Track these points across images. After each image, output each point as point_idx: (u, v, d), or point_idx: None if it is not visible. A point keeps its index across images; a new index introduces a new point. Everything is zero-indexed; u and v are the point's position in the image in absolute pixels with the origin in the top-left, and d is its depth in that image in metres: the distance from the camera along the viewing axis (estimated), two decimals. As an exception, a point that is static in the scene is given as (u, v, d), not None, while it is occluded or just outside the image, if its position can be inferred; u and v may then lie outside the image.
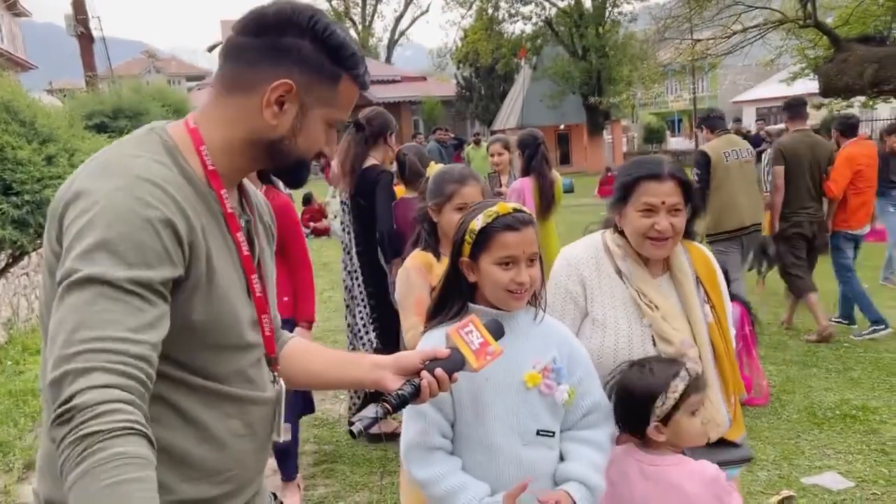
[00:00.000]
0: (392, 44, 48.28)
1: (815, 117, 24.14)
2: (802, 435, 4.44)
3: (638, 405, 1.94)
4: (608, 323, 2.18)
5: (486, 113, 34.85)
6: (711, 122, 6.10)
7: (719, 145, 5.91)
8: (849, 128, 6.71)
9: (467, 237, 1.86)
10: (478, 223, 1.84)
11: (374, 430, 2.97)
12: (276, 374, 1.49)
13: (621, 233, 2.24)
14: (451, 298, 1.90)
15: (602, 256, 2.24)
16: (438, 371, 1.53)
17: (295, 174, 1.44)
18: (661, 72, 27.07)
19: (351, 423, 1.52)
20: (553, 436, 1.88)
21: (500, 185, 5.95)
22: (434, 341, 1.80)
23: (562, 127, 30.95)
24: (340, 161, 4.57)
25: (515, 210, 1.86)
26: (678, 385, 1.92)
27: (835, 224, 6.40)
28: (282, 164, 1.39)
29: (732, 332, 5.19)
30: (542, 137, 5.25)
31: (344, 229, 4.65)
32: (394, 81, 35.99)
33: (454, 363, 1.57)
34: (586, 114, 30.71)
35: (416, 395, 1.53)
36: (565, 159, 31.58)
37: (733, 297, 5.31)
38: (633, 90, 29.45)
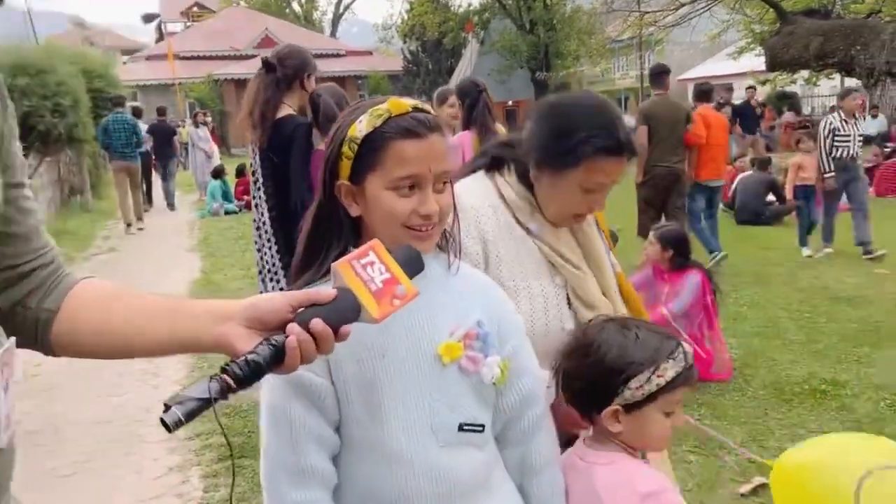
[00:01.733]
0: (337, 18, 47.16)
1: (760, 93, 24.16)
2: (770, 413, 4.02)
3: (604, 378, 1.39)
4: (520, 287, 1.69)
5: (433, 88, 33.87)
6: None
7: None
8: (703, 94, 7.95)
9: (346, 149, 1.28)
10: (361, 128, 1.27)
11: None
12: None
13: (526, 182, 1.72)
14: (324, 243, 1.33)
15: (499, 206, 1.73)
16: (316, 323, 1.02)
17: None
18: (608, 47, 26.82)
19: (167, 408, 0.96)
20: (482, 430, 1.34)
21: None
22: None
23: (510, 103, 30.49)
24: (248, 109, 3.87)
25: (416, 108, 1.29)
26: (669, 369, 1.38)
27: (691, 175, 7.42)
28: None
29: (688, 301, 4.78)
30: (483, 85, 4.68)
31: (254, 197, 3.98)
32: (338, 55, 35.05)
33: (343, 310, 1.06)
34: (534, 89, 30.29)
35: (277, 361, 1.02)
36: (514, 135, 31.12)
37: (692, 264, 4.96)
38: (580, 65, 29.16)
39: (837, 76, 21.07)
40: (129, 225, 11.34)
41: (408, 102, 1.29)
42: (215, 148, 15.54)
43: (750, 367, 4.71)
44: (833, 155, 7.61)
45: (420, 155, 1.26)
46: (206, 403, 0.97)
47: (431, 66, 35.03)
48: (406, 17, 35.56)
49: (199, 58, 33.42)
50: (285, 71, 3.76)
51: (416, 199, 1.27)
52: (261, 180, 3.84)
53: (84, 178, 14.36)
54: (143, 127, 12.97)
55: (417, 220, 1.28)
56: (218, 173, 13.49)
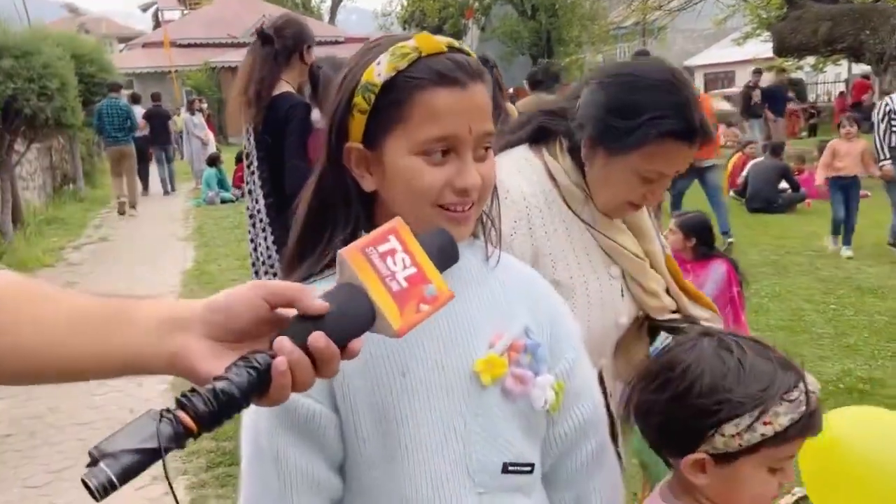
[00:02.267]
0: (335, 5, 46.64)
1: (765, 80, 23.79)
2: (806, 415, 3.71)
3: (690, 415, 1.04)
4: (577, 285, 1.42)
5: (432, 76, 33.75)
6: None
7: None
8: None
9: (359, 99, 0.96)
10: (380, 71, 0.95)
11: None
12: None
13: (577, 162, 1.42)
14: (327, 226, 1.02)
15: (550, 191, 1.44)
16: (318, 338, 0.71)
17: None
18: (611, 33, 26.44)
19: (92, 460, 0.66)
20: (531, 471, 1.04)
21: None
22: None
23: (511, 90, 30.09)
24: (243, 85, 3.50)
25: (452, 48, 0.97)
26: (782, 414, 1.00)
27: None
28: None
29: (713, 293, 4.48)
30: (493, 61, 4.35)
31: (247, 182, 3.63)
32: (337, 42, 34.55)
33: (352, 318, 0.76)
34: (536, 77, 29.92)
35: (258, 390, 0.71)
36: (515, 123, 30.81)
37: (717, 253, 4.65)
38: (582, 52, 28.77)
39: (845, 62, 20.80)
40: (122, 208, 11.21)
41: (441, 40, 0.97)
42: (211, 135, 15.21)
43: (779, 364, 4.41)
44: (891, 143, 6.72)
45: (458, 109, 0.94)
46: (152, 456, 0.66)
47: (431, 54, 34.64)
48: (405, 4, 35.09)
49: (195, 45, 32.98)
50: (284, 42, 3.38)
51: (451, 168, 0.96)
52: (255, 164, 3.50)
53: (77, 166, 14.06)
54: (139, 112, 13.13)
55: (452, 196, 0.96)
56: (213, 161, 13.15)
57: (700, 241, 4.49)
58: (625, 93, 1.34)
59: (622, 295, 1.50)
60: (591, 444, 1.11)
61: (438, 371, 0.97)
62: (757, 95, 14.67)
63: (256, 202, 3.50)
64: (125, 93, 12.18)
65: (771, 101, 14.78)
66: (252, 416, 0.97)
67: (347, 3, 49.25)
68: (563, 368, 1.07)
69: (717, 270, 4.40)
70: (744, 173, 10.18)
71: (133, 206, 11.49)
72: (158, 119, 14.03)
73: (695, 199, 7.24)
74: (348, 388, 0.95)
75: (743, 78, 25.17)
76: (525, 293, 1.08)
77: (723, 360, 1.04)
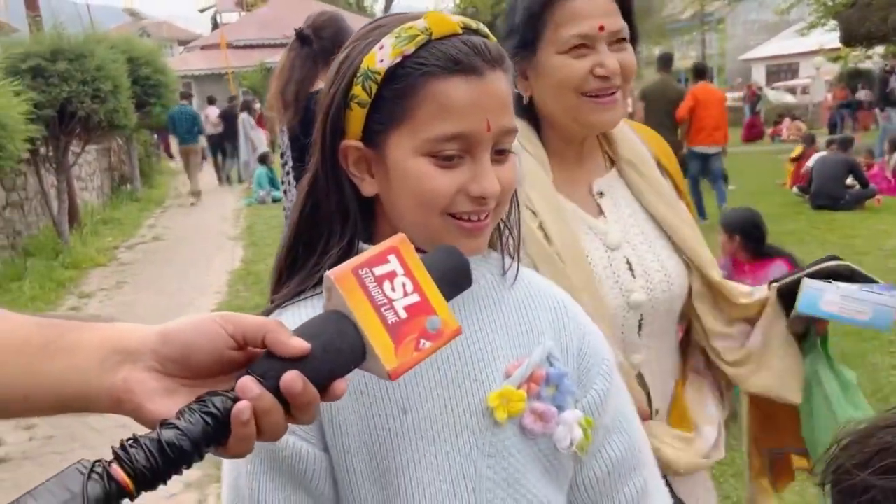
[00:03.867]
0: (388, 3, 46.89)
1: (829, 72, 22.92)
2: (878, 429, 3.44)
3: None
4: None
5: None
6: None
7: None
8: (698, 73, 8.86)
9: (357, 90, 0.83)
10: (383, 56, 0.82)
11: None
12: None
13: (529, 114, 1.32)
14: (320, 236, 0.88)
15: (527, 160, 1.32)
16: (292, 381, 0.60)
17: None
18: (667, 27, 25.85)
19: None
20: None
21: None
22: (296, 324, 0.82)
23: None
24: (281, 86, 3.46)
25: (467, 29, 0.83)
26: None
27: (687, 142, 8.30)
28: None
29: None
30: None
31: (282, 182, 3.58)
32: (389, 41, 34.74)
33: (336, 355, 0.63)
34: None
35: (215, 440, 0.59)
36: (568, 121, 30.47)
37: (776, 252, 4.37)
38: (637, 48, 28.23)
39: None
40: (194, 196, 13.12)
41: (456, 19, 0.82)
42: (262, 135, 15.35)
43: (846, 373, 4.12)
44: None
45: (474, 102, 0.80)
46: None
47: (484, 50, 34.52)
48: (458, 1, 35.01)
49: (251, 46, 33.49)
50: (322, 43, 3.30)
51: (465, 171, 0.82)
52: (289, 163, 3.44)
53: (134, 167, 14.38)
54: (215, 112, 15.48)
55: (466, 204, 0.82)
56: (263, 159, 13.26)
57: (746, 237, 4.22)
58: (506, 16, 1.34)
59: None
60: (630, 489, 0.95)
61: (445, 407, 0.84)
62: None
63: (291, 202, 3.43)
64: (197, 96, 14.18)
65: None
66: (230, 460, 0.84)
67: (401, 1, 49.47)
68: (592, 400, 0.91)
69: (777, 271, 4.13)
70: (808, 167, 9.74)
71: (197, 195, 13.04)
72: (232, 118, 15.19)
73: (743, 199, 6.92)
74: (340, 425, 0.82)
75: (806, 70, 24.28)
76: (548, 313, 0.93)
77: None
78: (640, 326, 1.29)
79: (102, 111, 7.98)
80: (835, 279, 1.32)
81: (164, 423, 0.58)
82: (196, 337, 0.62)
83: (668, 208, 1.35)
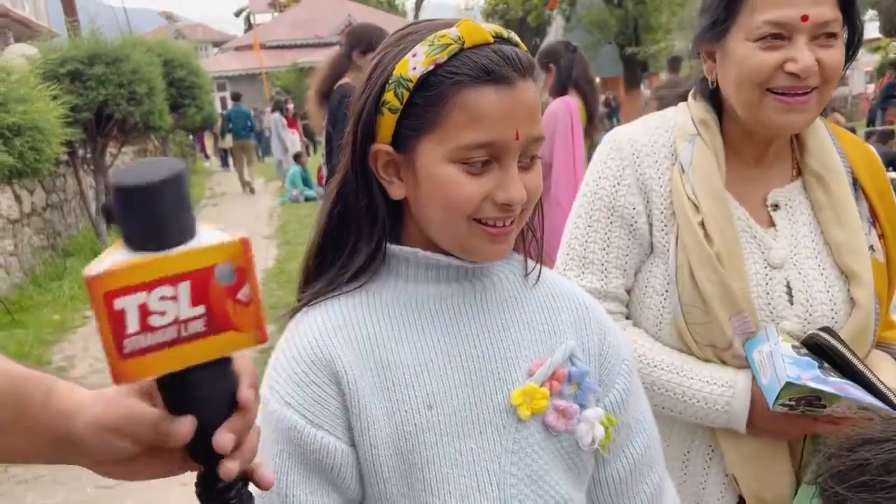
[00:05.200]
0: (419, 2, 47.00)
1: (869, 63, 22.44)
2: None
3: None
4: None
5: (517, 69, 33.60)
6: None
7: None
8: None
9: (389, 95, 0.84)
10: (416, 63, 0.83)
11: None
12: None
13: (712, 97, 1.22)
14: (348, 237, 0.90)
15: (699, 149, 1.25)
16: (221, 438, 0.63)
17: None
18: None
19: None
20: None
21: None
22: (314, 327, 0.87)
23: (597, 80, 29.57)
24: (317, 87, 3.89)
25: (499, 38, 0.84)
26: None
27: None
28: None
29: None
30: (573, 45, 4.15)
31: (325, 174, 3.77)
32: (421, 39, 34.88)
33: (211, 398, 0.64)
34: (623, 66, 29.21)
35: None
36: (601, 115, 30.40)
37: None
38: (671, 39, 27.93)
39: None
40: (247, 188, 14.49)
41: (487, 28, 0.83)
42: (294, 134, 15.50)
43: None
44: None
45: (504, 111, 0.81)
46: None
47: (515, 46, 34.53)
48: (489, -2, 34.98)
49: (284, 47, 33.87)
50: (349, 42, 3.72)
51: (492, 178, 0.83)
52: (323, 158, 3.73)
53: (170, 168, 14.68)
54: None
55: (492, 210, 0.83)
56: (297, 158, 13.39)
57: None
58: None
59: (790, 300, 1.17)
60: (648, 486, 0.96)
61: (470, 404, 0.85)
62: None
63: (327, 196, 3.67)
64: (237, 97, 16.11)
65: None
66: (258, 450, 0.86)
67: (432, 0, 49.57)
68: (613, 399, 0.92)
69: None
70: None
71: (248, 185, 14.34)
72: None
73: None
74: (367, 422, 0.83)
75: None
76: (570, 314, 0.94)
77: None
78: None
79: (138, 113, 8.12)
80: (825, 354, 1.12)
81: None
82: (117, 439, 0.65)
83: (845, 234, 1.18)
